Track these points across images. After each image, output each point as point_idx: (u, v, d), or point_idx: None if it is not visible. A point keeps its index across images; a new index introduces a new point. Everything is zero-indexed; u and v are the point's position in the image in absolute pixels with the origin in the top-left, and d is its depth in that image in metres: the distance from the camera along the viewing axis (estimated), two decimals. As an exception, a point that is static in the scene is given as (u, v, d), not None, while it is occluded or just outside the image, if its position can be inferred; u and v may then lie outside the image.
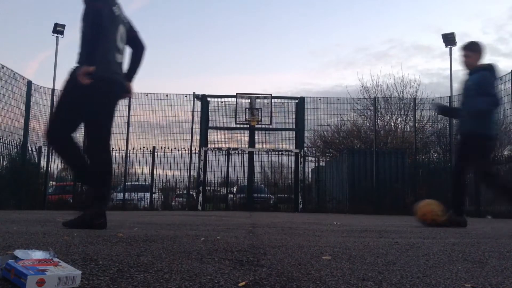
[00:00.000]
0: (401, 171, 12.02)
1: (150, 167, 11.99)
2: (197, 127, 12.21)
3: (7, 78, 10.42)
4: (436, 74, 40.49)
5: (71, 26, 12.28)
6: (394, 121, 16.28)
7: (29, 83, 11.23)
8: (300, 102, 12.44)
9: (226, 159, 12.30)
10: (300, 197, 11.99)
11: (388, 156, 12.25)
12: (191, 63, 59.44)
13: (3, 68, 10.29)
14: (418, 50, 46.55)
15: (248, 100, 12.28)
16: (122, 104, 12.29)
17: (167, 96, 12.44)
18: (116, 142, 12.17)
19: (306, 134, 12.66)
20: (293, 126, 12.51)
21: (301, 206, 11.83)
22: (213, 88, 66.56)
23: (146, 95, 12.39)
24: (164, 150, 11.94)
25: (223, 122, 12.50)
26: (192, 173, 12.14)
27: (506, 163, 10.33)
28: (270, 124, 12.22)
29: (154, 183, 12.04)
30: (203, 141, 12.10)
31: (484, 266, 1.51)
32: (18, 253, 1.11)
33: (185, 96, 12.38)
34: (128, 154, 12.03)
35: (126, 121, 12.22)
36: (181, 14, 59.06)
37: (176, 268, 1.31)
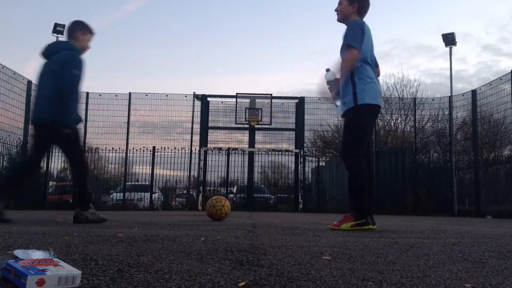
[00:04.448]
0: (401, 171, 12.02)
1: (150, 167, 12.00)
2: (197, 127, 12.21)
3: (7, 78, 10.42)
4: (438, 74, 40.56)
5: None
6: (394, 121, 16.30)
7: (29, 83, 11.22)
8: (300, 102, 12.44)
9: (226, 159, 12.30)
10: (300, 197, 11.99)
11: (388, 156, 12.25)
12: (191, 63, 59.50)
13: (3, 68, 10.29)
14: (420, 50, 46.61)
15: (248, 100, 12.28)
16: (122, 104, 12.31)
17: (167, 96, 12.44)
18: (116, 142, 12.18)
19: (306, 134, 12.67)
20: (293, 126, 12.51)
21: (301, 206, 11.83)
22: (213, 88, 66.63)
23: (146, 95, 12.39)
24: (164, 150, 11.95)
25: (223, 122, 12.51)
26: (192, 173, 12.15)
27: (506, 163, 10.32)
28: (270, 124, 12.23)
29: (154, 183, 12.04)
30: (203, 141, 12.10)
31: (484, 266, 1.51)
32: (18, 253, 1.11)
33: (185, 96, 12.39)
34: (128, 154, 12.03)
35: (126, 121, 12.22)
36: (181, 14, 59.08)
37: (176, 268, 1.31)
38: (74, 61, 3.75)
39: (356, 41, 3.38)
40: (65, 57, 3.73)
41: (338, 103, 3.69)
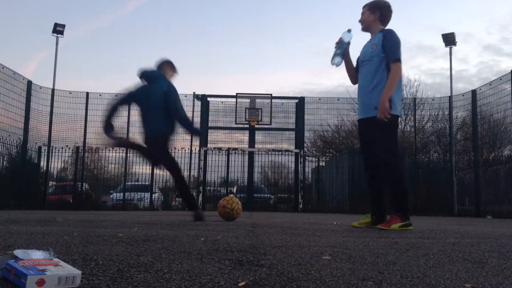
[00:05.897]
0: (401, 171, 11.99)
1: (150, 167, 11.98)
2: (197, 127, 12.20)
3: (7, 78, 10.42)
4: (439, 74, 40.61)
5: (71, 26, 12.34)
6: (394, 121, 16.26)
7: (29, 83, 11.22)
8: (300, 102, 12.44)
9: (226, 159, 12.29)
10: (300, 197, 11.98)
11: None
12: (191, 63, 59.46)
13: (3, 68, 10.29)
14: (421, 50, 46.65)
15: (248, 100, 12.27)
16: (122, 104, 12.28)
17: (167, 96, 12.42)
18: (116, 142, 12.16)
19: (306, 134, 12.66)
20: (293, 126, 12.51)
21: (301, 206, 11.82)
22: (213, 88, 66.65)
23: (146, 95, 12.37)
24: (164, 150, 11.91)
25: (223, 122, 12.50)
26: (192, 173, 12.14)
27: (506, 163, 10.32)
28: (270, 124, 12.22)
29: (154, 183, 12.03)
30: (203, 141, 12.09)
31: (484, 266, 1.51)
32: (18, 253, 1.11)
33: (185, 96, 12.37)
34: (128, 154, 12.03)
35: (126, 121, 12.21)
36: (181, 13, 59.08)
37: (176, 268, 1.31)
38: (176, 91, 4.51)
39: (400, 54, 3.57)
40: (169, 86, 4.47)
41: (336, 61, 3.76)
